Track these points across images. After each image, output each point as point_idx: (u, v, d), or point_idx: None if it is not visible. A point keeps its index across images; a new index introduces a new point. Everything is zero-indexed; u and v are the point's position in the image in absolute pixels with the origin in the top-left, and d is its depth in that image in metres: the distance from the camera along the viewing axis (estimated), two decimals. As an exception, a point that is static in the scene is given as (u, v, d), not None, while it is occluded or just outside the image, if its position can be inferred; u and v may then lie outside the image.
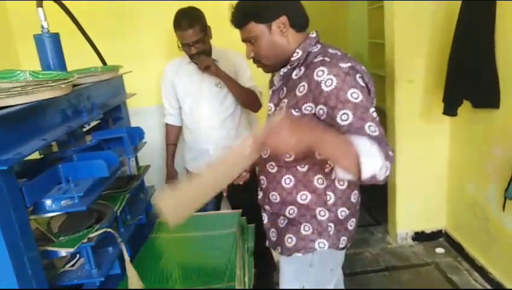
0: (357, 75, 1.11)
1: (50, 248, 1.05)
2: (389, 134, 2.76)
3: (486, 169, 2.28)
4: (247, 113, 2.24)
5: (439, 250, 2.76)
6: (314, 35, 1.25)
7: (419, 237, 2.87)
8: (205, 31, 1.94)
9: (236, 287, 1.21)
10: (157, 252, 1.47)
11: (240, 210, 1.72)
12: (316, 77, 1.12)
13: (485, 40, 2.05)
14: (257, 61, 1.28)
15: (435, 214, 2.83)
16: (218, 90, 2.07)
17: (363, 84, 1.12)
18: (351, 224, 1.33)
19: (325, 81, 1.10)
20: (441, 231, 2.87)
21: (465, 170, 2.54)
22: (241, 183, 1.46)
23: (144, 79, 2.36)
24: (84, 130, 1.43)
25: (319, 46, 1.23)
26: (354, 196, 1.32)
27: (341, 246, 1.31)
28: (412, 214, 2.83)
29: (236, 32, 1.27)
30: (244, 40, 1.26)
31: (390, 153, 1.05)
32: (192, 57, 1.98)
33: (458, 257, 2.65)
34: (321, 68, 1.11)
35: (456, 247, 2.70)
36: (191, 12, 1.91)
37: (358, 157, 0.98)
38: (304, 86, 1.15)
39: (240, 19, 1.21)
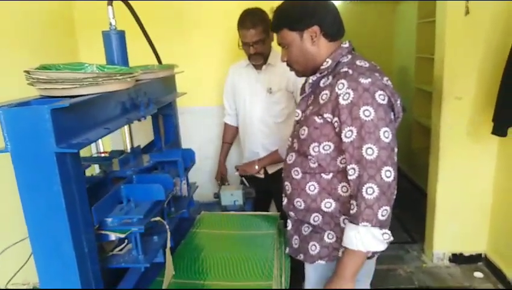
0: (377, 93, 1.11)
1: (103, 232, 1.11)
2: (433, 151, 2.71)
3: (535, 194, 2.19)
4: None
5: (478, 274, 2.66)
6: (346, 45, 1.26)
7: (457, 258, 2.78)
8: (267, 33, 1.96)
9: (273, 286, 1.23)
10: (198, 245, 1.52)
11: (279, 213, 1.74)
12: (336, 89, 1.14)
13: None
14: (289, 65, 1.33)
15: (475, 237, 2.73)
16: (268, 96, 2.07)
17: (381, 101, 1.11)
18: None
19: (343, 95, 1.12)
20: (480, 254, 2.76)
21: (511, 193, 2.44)
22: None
23: (194, 80, 2.43)
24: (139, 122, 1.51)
25: (349, 56, 1.24)
26: None
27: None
28: (450, 234, 2.74)
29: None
30: (278, 44, 1.31)
31: (374, 187, 1.09)
32: (250, 57, 2.02)
33: (498, 283, 2.54)
34: (342, 81, 1.14)
35: (496, 273, 2.60)
36: (256, 13, 1.96)
37: (364, 252, 1.14)
38: (326, 94, 1.18)
39: (274, 24, 1.28)
